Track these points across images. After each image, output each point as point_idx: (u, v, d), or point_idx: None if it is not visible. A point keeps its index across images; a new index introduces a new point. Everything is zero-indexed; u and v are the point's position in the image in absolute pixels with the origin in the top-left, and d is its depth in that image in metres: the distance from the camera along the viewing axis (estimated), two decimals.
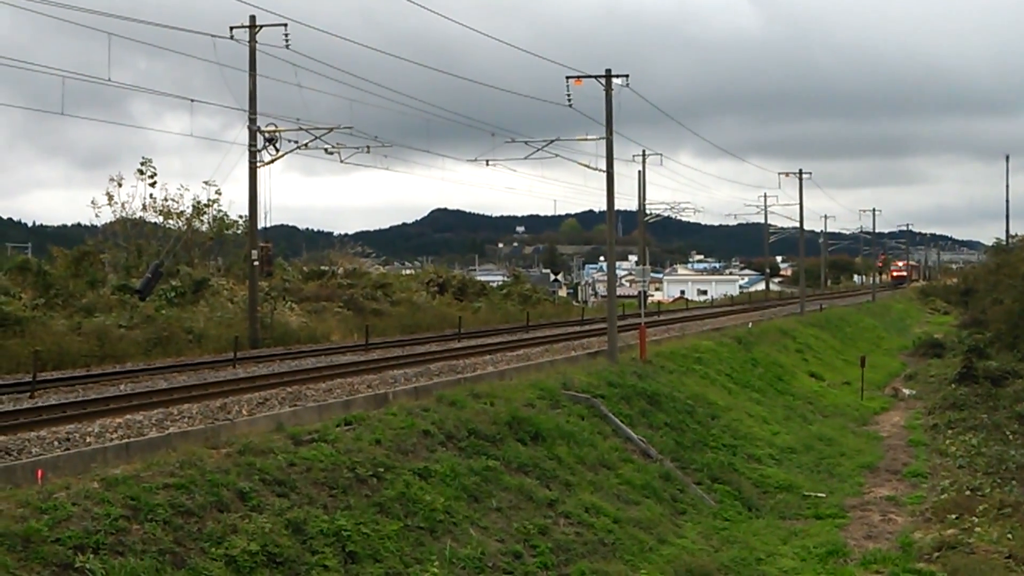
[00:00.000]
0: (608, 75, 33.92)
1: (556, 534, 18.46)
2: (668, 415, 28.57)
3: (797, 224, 77.67)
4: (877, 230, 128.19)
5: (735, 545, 21.14)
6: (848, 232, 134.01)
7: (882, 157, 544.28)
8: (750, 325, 51.87)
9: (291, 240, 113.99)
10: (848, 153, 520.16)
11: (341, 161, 39.50)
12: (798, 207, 74.65)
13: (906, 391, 47.88)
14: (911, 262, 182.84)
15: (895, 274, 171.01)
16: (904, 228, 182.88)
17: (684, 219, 64.18)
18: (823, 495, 26.53)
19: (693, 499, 23.84)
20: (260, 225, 39.04)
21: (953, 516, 23.59)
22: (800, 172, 73.37)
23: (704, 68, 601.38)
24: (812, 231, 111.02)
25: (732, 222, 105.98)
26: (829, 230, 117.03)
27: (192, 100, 37.29)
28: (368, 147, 39.33)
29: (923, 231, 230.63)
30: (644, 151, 67.95)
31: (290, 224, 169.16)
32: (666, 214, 74.08)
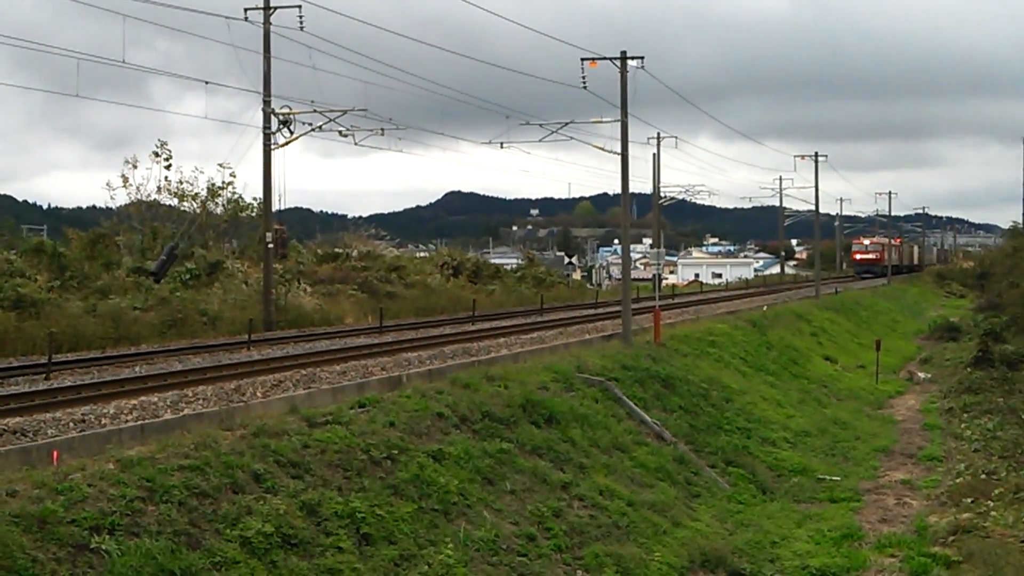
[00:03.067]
0: (623, 57, 33.78)
1: (570, 517, 18.46)
2: (682, 398, 28.54)
3: (812, 207, 77.40)
4: (894, 213, 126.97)
5: (749, 528, 21.13)
6: (864, 215, 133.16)
7: (902, 140, 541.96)
8: (765, 308, 51.74)
9: (305, 223, 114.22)
10: (867, 136, 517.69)
11: (355, 144, 39.46)
12: (814, 190, 74.30)
13: (921, 375, 47.76)
14: (893, 240, 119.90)
15: (859, 257, 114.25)
16: (921, 211, 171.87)
17: (699, 202, 64.42)
18: (838, 478, 26.49)
19: (707, 482, 23.82)
20: (275, 207, 39.11)
21: (968, 500, 23.53)
22: (816, 155, 73.02)
23: (730, 50, 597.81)
24: (828, 214, 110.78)
25: (747, 205, 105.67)
26: (845, 213, 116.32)
27: (207, 82, 37.39)
28: (383, 129, 39.25)
29: (941, 214, 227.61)
30: (659, 134, 67.87)
31: (304, 207, 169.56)
32: (681, 197, 73.99)
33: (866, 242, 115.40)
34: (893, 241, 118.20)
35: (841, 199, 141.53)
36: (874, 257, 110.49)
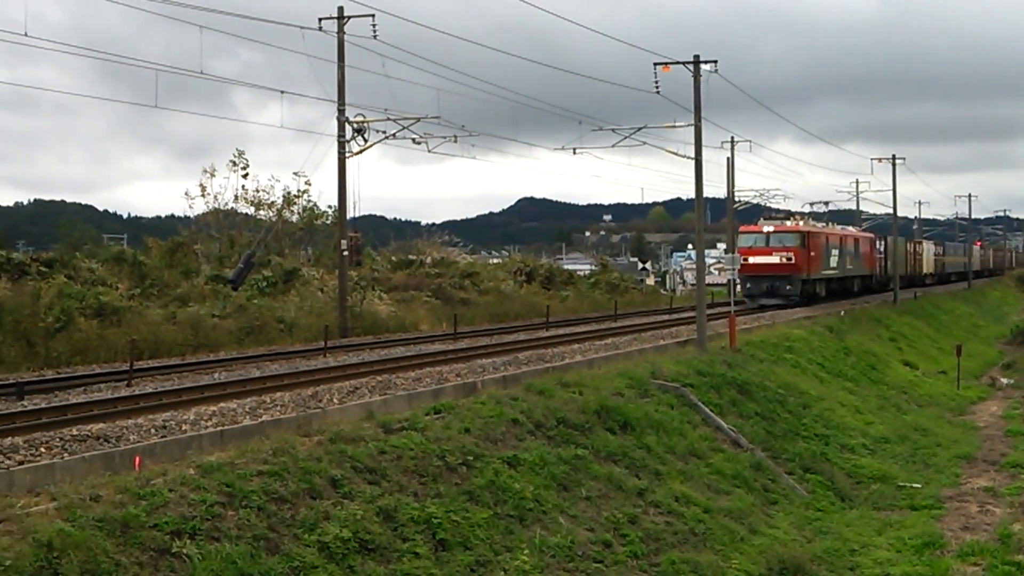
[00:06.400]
0: (696, 61, 33.59)
1: (646, 523, 18.37)
2: (759, 404, 28.28)
3: (890, 210, 76.27)
4: (974, 216, 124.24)
5: (828, 536, 20.87)
6: (943, 218, 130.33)
7: (984, 141, 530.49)
8: (842, 313, 51.12)
9: (379, 230, 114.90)
10: (948, 137, 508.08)
11: (429, 151, 39.67)
12: (891, 193, 73.10)
13: (1004, 380, 46.85)
14: (846, 227, 72.67)
15: (753, 261, 53.30)
16: (1002, 214, 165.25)
17: (774, 206, 63.25)
18: (918, 486, 26.07)
19: (785, 489, 23.57)
20: (349, 215, 39.41)
21: None
22: (893, 157, 71.88)
23: (813, 51, 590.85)
24: (905, 217, 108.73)
25: (823, 208, 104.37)
26: (924, 216, 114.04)
27: (282, 92, 37.95)
28: (455, 136, 39.42)
29: (1022, 217, 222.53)
30: (733, 138, 67.17)
31: (378, 214, 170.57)
32: (756, 201, 73.07)
33: (767, 229, 54.95)
34: (857, 233, 69.91)
35: (919, 202, 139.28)
36: (781, 262, 53.83)
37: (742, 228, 56.74)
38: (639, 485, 19.67)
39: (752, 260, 53.12)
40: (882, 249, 73.88)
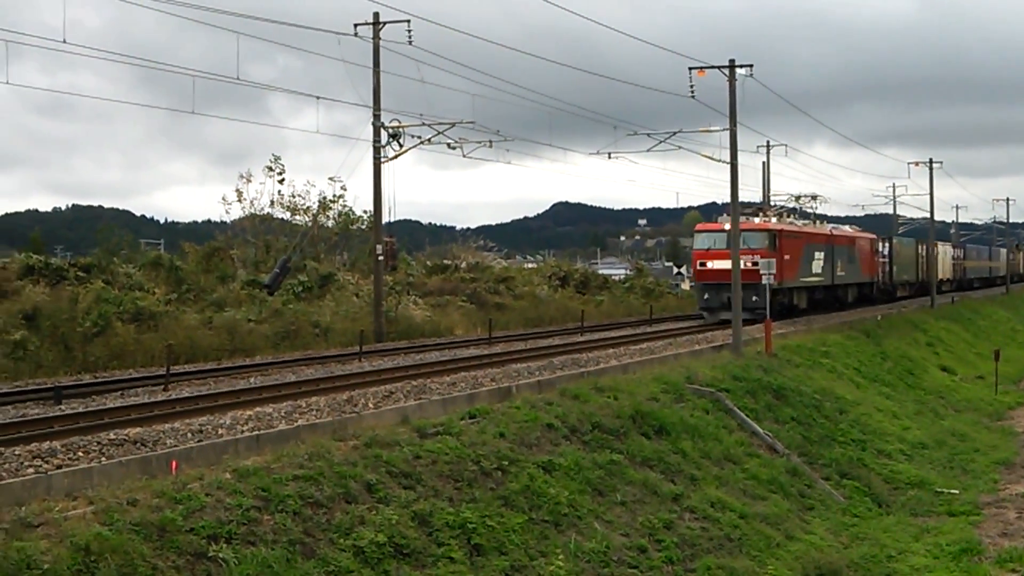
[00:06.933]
0: (732, 65, 33.51)
1: (681, 528, 18.31)
2: (795, 409, 28.14)
3: (926, 214, 75.71)
4: (1012, 220, 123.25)
5: (865, 542, 20.74)
6: (981, 222, 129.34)
7: (1023, 144, 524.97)
8: (879, 318, 50.79)
9: (414, 235, 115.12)
10: (986, 141, 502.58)
11: (464, 156, 39.70)
12: (928, 197, 72.67)
13: None
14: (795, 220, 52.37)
15: (711, 266, 44.17)
16: None
17: (809, 210, 62.89)
18: (956, 491, 25.85)
19: (821, 495, 23.43)
20: (384, 220, 39.50)
21: None
22: (930, 161, 71.53)
23: (849, 54, 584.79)
24: (943, 221, 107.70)
25: (859, 213, 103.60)
26: (961, 220, 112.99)
27: (318, 97, 38.19)
28: (490, 141, 39.41)
29: None
30: (768, 142, 66.82)
31: (413, 219, 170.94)
32: (791, 205, 72.83)
33: (729, 227, 38.48)
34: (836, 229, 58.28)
35: (957, 206, 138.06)
36: (746, 267, 38.95)
37: (698, 226, 47.86)
38: (674, 490, 19.61)
39: (710, 265, 44.12)
40: (886, 252, 64.95)
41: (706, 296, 44.95)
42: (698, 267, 44.81)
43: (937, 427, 34.06)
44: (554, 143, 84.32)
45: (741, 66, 33.55)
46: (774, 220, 46.91)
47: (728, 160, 34.15)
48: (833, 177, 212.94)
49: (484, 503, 15.71)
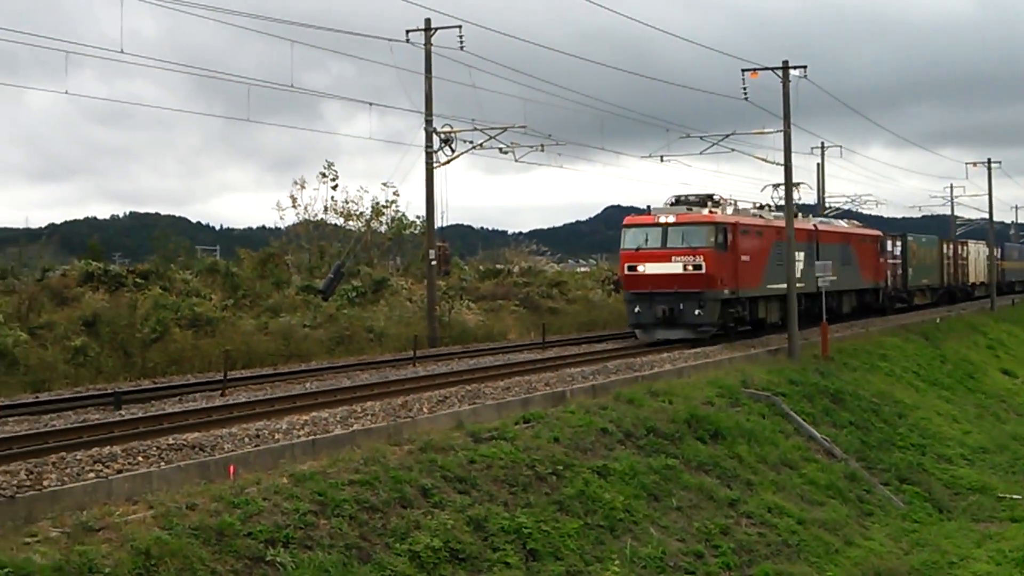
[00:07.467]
0: (785, 67, 33.29)
1: (738, 534, 18.16)
2: (852, 413, 27.86)
3: (985, 215, 74.71)
4: None
5: (926, 548, 20.46)
6: None
7: None
8: (938, 320, 50.17)
9: (466, 239, 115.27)
10: None
11: (515, 160, 39.69)
12: (987, 197, 71.78)
13: None
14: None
15: (642, 271, 34.49)
16: None
17: (865, 212, 62.20)
18: (1019, 497, 25.45)
19: (880, 500, 23.17)
20: (437, 225, 39.60)
21: None
22: (989, 161, 70.66)
23: (905, 54, 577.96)
24: (1002, 222, 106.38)
25: (916, 214, 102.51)
26: (1020, 221, 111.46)
27: (371, 104, 38.45)
28: (542, 146, 39.36)
29: None
30: (823, 143, 66.25)
31: (466, 223, 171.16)
32: (846, 207, 72.16)
33: (664, 220, 34.63)
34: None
35: (1016, 207, 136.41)
36: (686, 272, 33.91)
37: (627, 220, 36.62)
38: (730, 495, 19.47)
39: (642, 269, 34.80)
40: (898, 252, 55.11)
41: (636, 309, 34.97)
42: (626, 271, 35.35)
43: (998, 431, 33.58)
44: (606, 146, 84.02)
45: (794, 67, 33.34)
46: (730, 212, 36.68)
47: (783, 162, 33.91)
48: (889, 178, 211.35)
49: (539, 508, 15.68)
